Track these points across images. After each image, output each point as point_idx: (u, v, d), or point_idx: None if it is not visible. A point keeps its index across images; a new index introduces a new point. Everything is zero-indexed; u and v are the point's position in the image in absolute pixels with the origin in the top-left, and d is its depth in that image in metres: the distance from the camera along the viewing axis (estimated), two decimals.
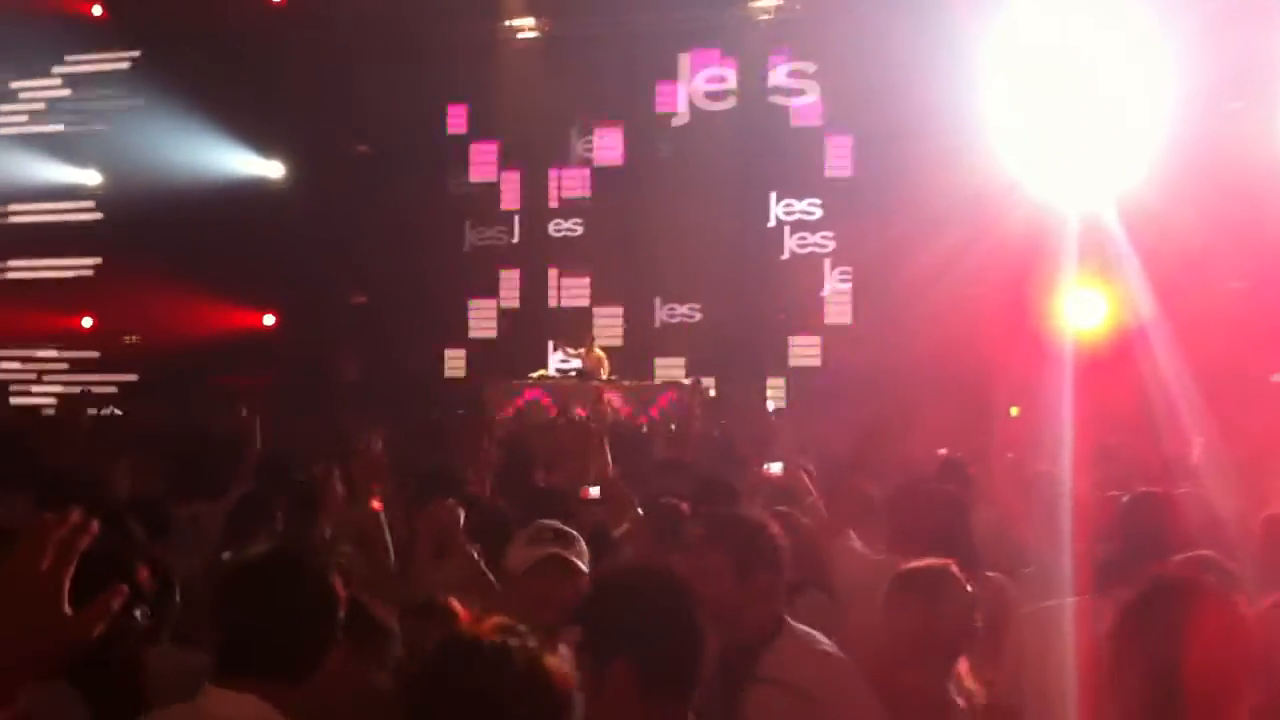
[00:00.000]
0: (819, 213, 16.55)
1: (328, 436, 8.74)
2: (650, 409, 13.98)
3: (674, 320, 17.00)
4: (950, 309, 13.14)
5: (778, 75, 16.76)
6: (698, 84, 17.11)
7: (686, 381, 15.44)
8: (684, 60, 17.06)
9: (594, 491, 5.60)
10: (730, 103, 16.99)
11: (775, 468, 5.82)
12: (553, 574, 3.80)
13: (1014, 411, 11.34)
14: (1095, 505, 5.05)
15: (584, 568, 3.76)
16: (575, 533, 3.89)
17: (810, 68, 16.61)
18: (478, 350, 17.67)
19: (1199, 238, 12.72)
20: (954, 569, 3.52)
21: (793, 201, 16.65)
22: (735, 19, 16.68)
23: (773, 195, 16.76)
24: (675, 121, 17.17)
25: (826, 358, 16.22)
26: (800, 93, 16.69)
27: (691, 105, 17.13)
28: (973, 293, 13.11)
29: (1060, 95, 13.96)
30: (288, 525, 5.26)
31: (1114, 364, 11.91)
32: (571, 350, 15.43)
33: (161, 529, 5.06)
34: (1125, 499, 4.90)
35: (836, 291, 16.44)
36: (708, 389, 15.22)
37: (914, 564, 3.58)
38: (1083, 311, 13.83)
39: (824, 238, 16.56)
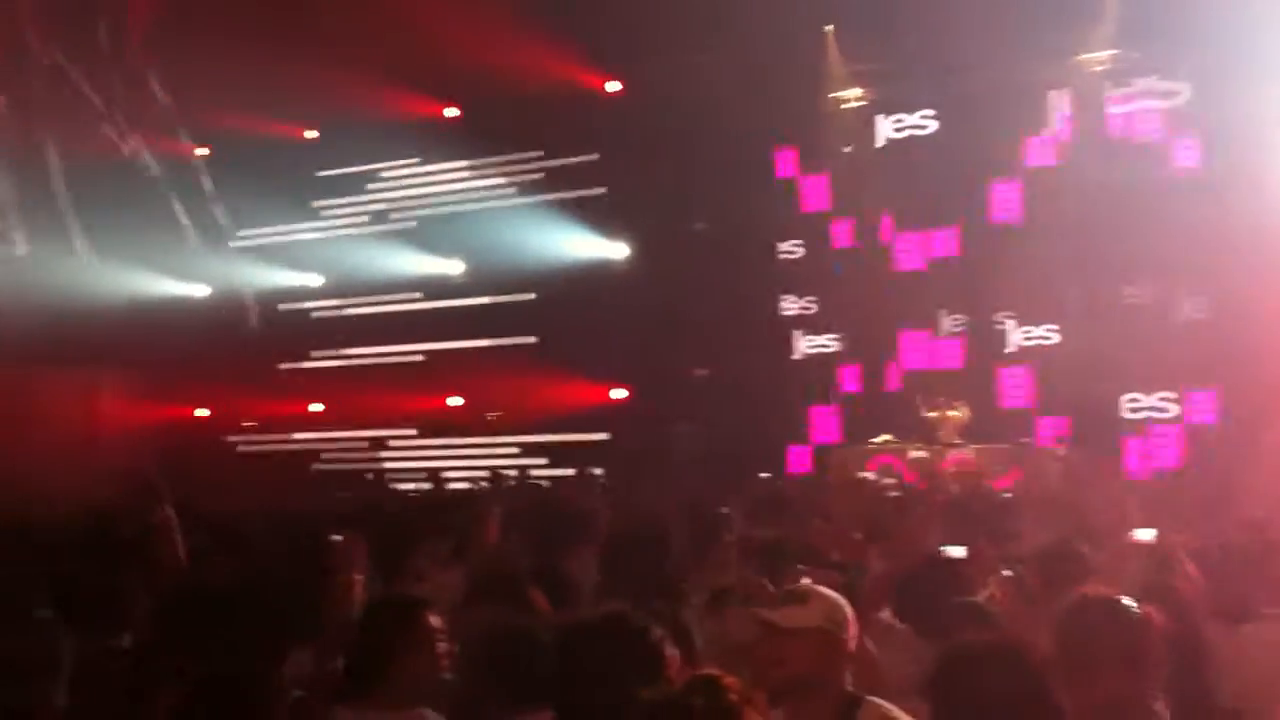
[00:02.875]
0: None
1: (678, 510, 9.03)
2: (1001, 477, 13.58)
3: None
4: None
5: (1119, 125, 16.09)
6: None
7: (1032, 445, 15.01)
8: (1053, 97, 16.49)
9: (958, 552, 5.51)
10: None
11: (1144, 535, 5.56)
12: (750, 633, 3.79)
13: None
14: None
15: (778, 623, 3.52)
16: (816, 591, 3.66)
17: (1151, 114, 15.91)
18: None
19: None
20: None
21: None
22: (1070, 70, 16.21)
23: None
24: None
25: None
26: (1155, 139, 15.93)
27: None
28: None
29: None
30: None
31: None
32: (929, 411, 15.22)
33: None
34: None
35: None
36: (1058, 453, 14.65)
37: None
38: None
39: None
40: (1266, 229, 12.81)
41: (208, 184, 20.52)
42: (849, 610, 3.56)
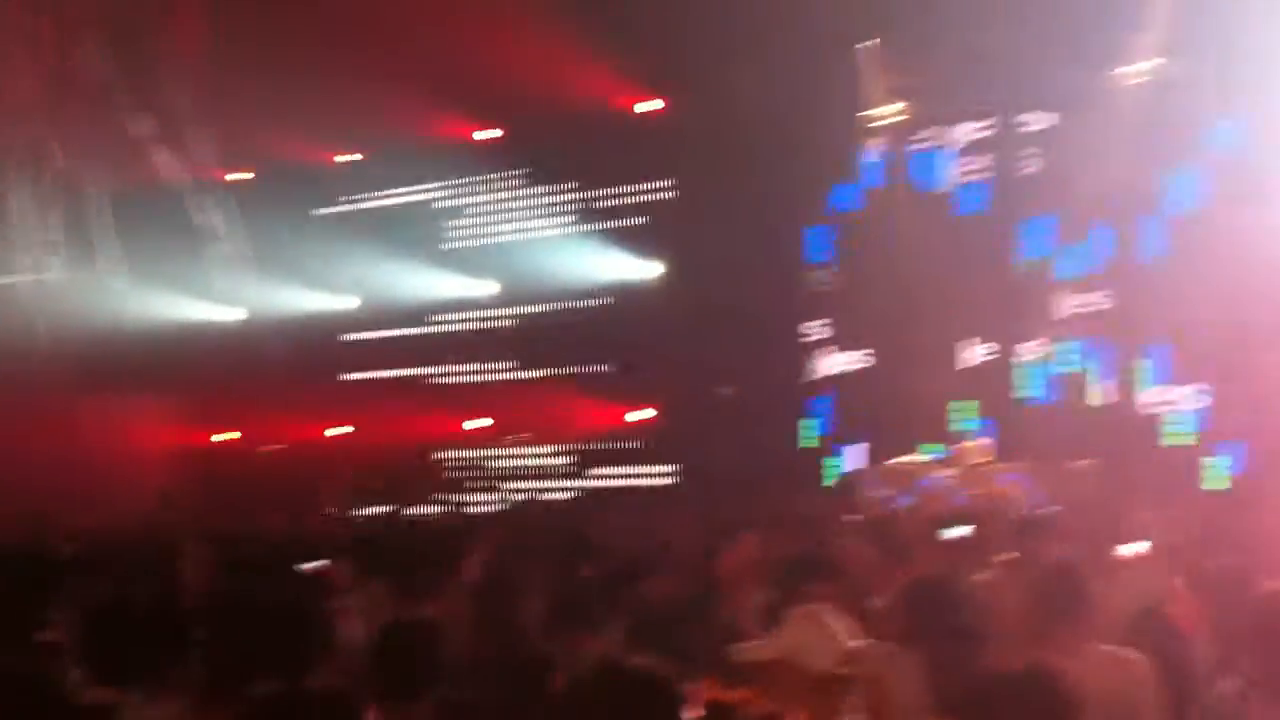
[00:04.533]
0: None
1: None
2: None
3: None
4: None
5: None
6: None
7: None
8: None
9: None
10: None
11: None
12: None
13: None
14: None
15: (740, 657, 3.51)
16: (797, 620, 3.54)
17: None
18: None
19: None
20: None
21: None
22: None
23: None
24: None
25: None
26: None
27: None
28: None
29: None
30: None
31: None
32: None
33: None
34: None
35: None
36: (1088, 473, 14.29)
37: None
38: None
39: None
40: None
41: (243, 209, 20.44)
42: (842, 633, 3.37)
